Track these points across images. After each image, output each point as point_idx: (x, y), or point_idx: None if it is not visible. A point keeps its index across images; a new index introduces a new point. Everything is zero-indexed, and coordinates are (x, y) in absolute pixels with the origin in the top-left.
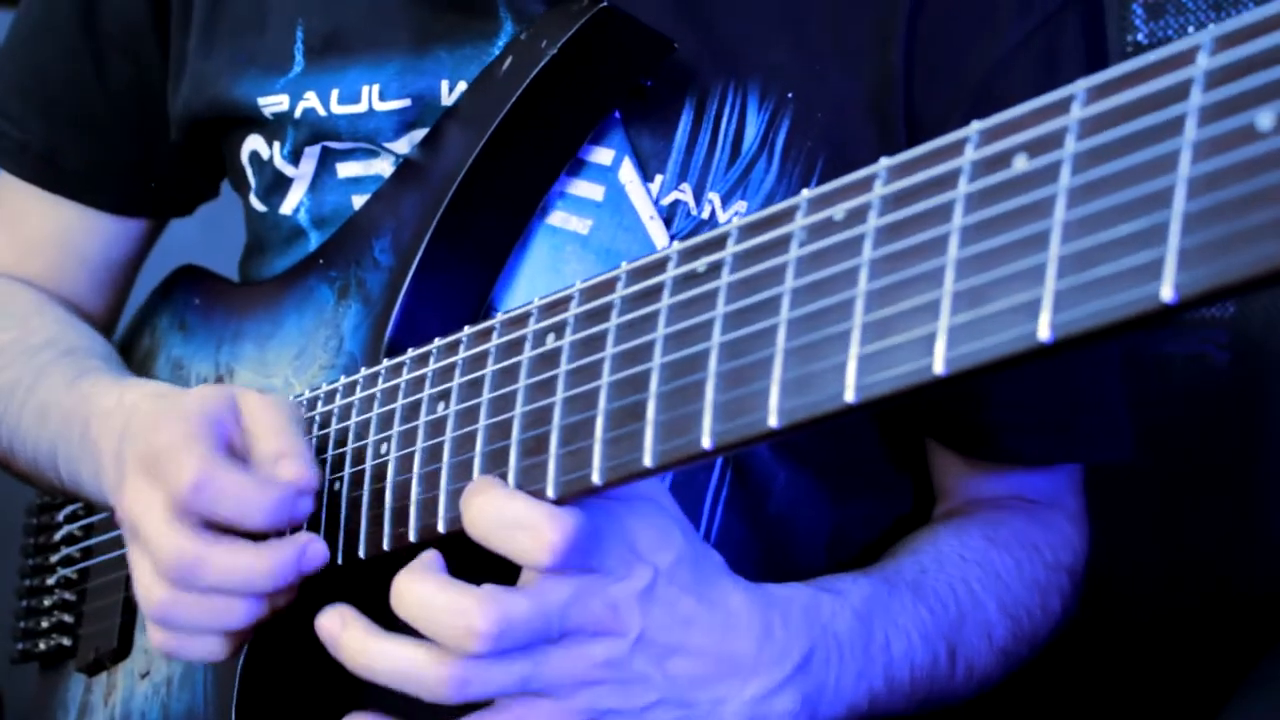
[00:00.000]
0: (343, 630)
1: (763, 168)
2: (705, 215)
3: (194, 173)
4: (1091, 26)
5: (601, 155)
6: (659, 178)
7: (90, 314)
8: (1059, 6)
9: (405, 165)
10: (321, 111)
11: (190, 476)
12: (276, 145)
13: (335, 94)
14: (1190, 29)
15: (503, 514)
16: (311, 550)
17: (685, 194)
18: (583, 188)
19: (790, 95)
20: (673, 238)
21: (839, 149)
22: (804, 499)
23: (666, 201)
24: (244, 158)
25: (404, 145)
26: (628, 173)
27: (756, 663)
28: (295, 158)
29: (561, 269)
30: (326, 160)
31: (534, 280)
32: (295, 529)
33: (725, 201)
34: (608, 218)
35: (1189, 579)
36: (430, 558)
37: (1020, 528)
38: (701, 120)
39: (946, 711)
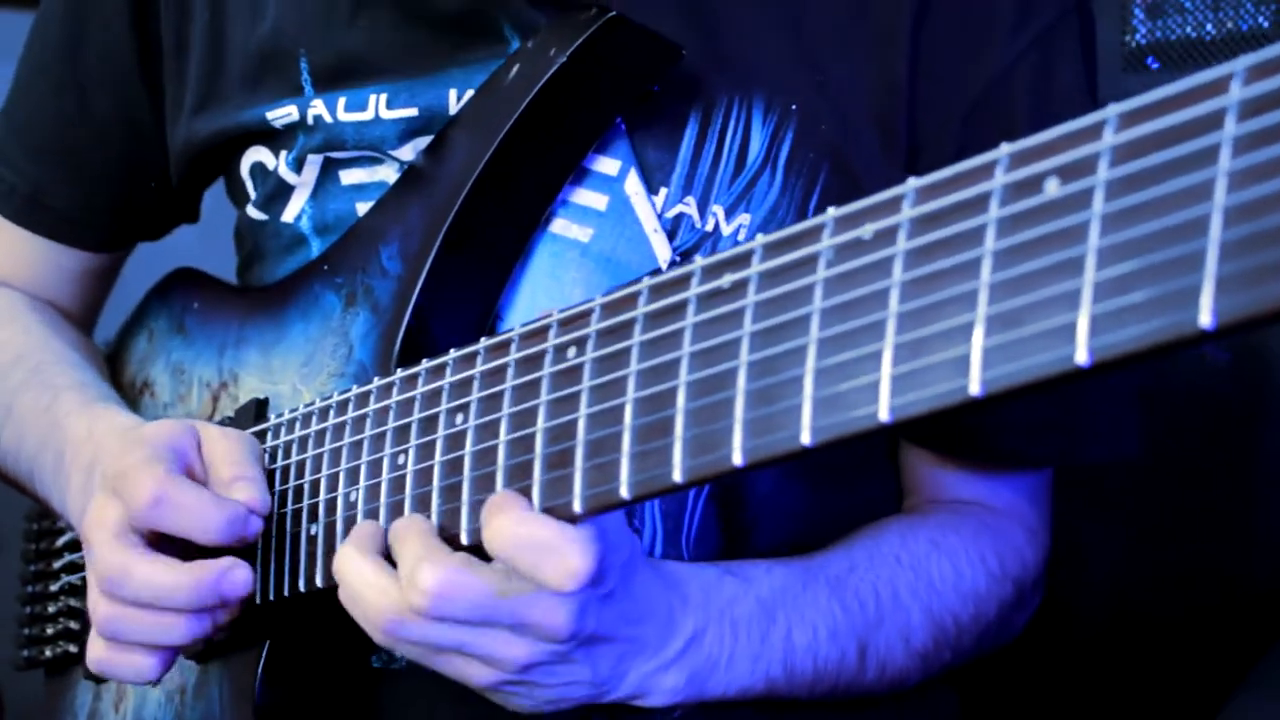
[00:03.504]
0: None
1: (766, 180)
2: (709, 228)
3: (178, 203)
4: (1085, 36)
5: (607, 165)
6: (663, 190)
7: (68, 312)
8: (1055, 19)
9: (410, 172)
10: (328, 118)
11: (149, 492)
12: (283, 154)
13: (342, 103)
14: (1189, 29)
15: (529, 536)
16: (233, 576)
17: (690, 207)
18: (586, 196)
19: (794, 107)
20: (676, 250)
21: (842, 160)
22: (783, 490)
23: (671, 214)
24: (245, 170)
25: (409, 152)
26: (633, 184)
27: (656, 643)
28: (299, 165)
29: (561, 276)
30: (329, 169)
31: (534, 287)
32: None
33: (729, 215)
34: (610, 228)
35: (1189, 579)
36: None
37: (971, 535)
38: (706, 133)
39: (948, 707)
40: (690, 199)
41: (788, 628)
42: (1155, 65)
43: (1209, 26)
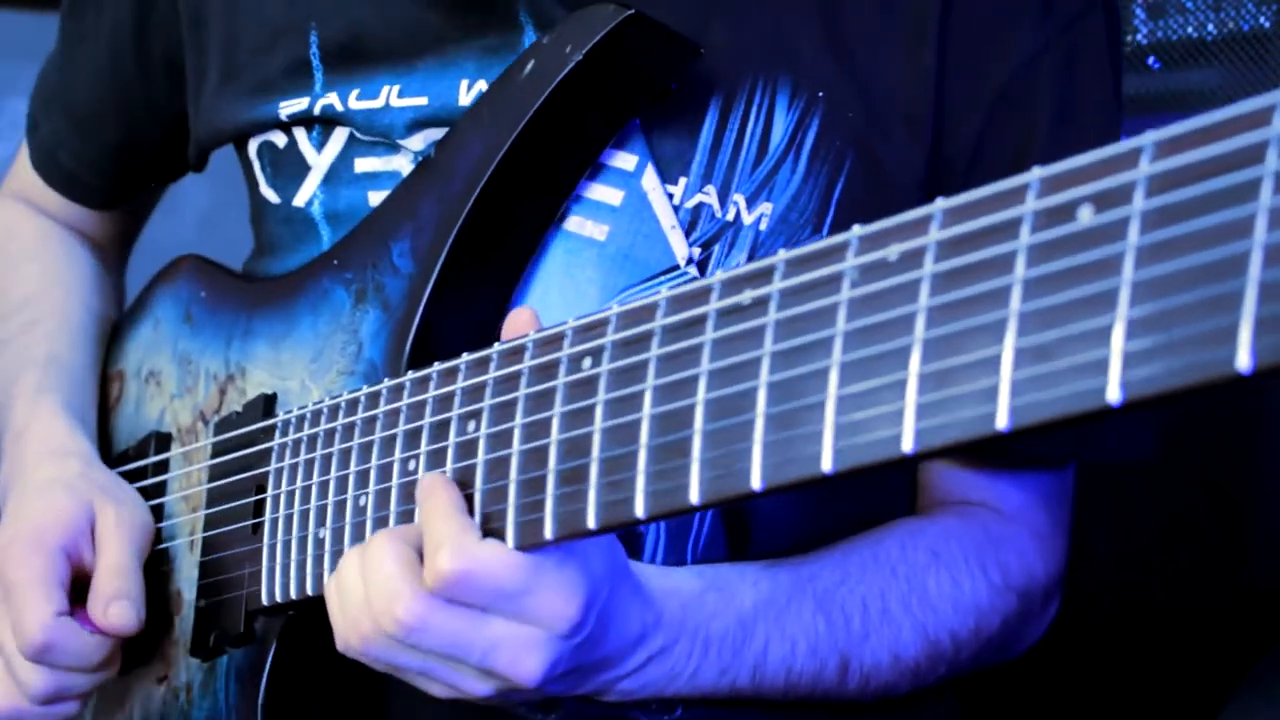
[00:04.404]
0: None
1: (789, 168)
2: (730, 217)
3: (184, 168)
4: (1110, 33)
5: (623, 160)
6: (682, 180)
7: (101, 242)
8: (1079, 12)
9: (422, 166)
10: (339, 107)
11: (36, 638)
12: (299, 131)
13: (356, 92)
14: (1190, 29)
15: (428, 524)
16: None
17: (710, 196)
18: (601, 192)
19: (821, 94)
20: (696, 241)
21: (867, 149)
22: (788, 500)
23: (691, 204)
24: (253, 151)
25: (418, 142)
26: (650, 180)
27: (619, 659)
28: (322, 142)
29: (576, 275)
30: (348, 150)
31: (547, 285)
32: None
33: (750, 203)
34: (626, 224)
35: (1189, 579)
36: (413, 532)
37: (973, 545)
38: (728, 120)
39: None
40: (710, 188)
41: (765, 641)
42: (1156, 65)
43: (1210, 26)
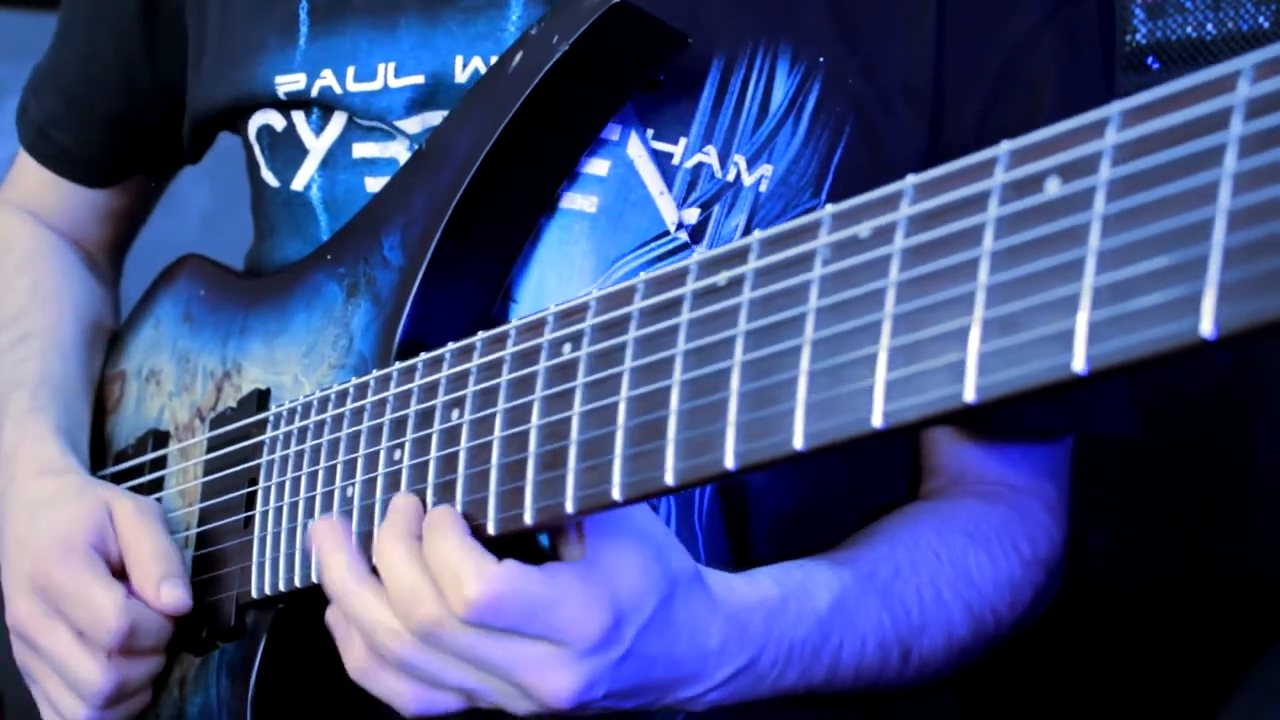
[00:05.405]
0: (329, 554)
1: (789, 130)
2: (730, 178)
3: (181, 154)
4: (1105, 9)
5: (608, 131)
6: (682, 140)
7: (93, 253)
8: None
9: (415, 157)
10: (338, 89)
11: (120, 623)
12: (298, 114)
13: (352, 71)
14: (1189, 29)
15: (440, 555)
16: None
17: (710, 156)
18: (588, 164)
19: (822, 60)
20: (696, 201)
21: (867, 117)
22: (784, 477)
23: (690, 164)
24: (252, 133)
25: (415, 125)
26: (636, 148)
27: (699, 674)
28: (321, 126)
29: (570, 250)
30: (346, 135)
31: (543, 263)
32: None
33: (751, 165)
34: (614, 194)
35: (1189, 579)
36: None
37: (1002, 522)
38: (728, 82)
39: (953, 710)
40: (710, 148)
41: (840, 642)
42: (1155, 65)
43: (1209, 26)
